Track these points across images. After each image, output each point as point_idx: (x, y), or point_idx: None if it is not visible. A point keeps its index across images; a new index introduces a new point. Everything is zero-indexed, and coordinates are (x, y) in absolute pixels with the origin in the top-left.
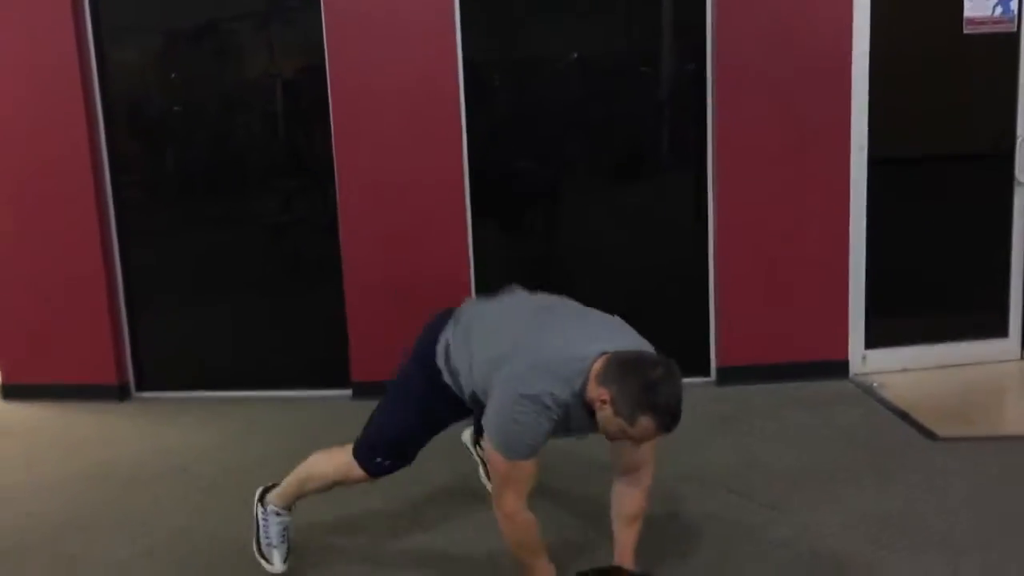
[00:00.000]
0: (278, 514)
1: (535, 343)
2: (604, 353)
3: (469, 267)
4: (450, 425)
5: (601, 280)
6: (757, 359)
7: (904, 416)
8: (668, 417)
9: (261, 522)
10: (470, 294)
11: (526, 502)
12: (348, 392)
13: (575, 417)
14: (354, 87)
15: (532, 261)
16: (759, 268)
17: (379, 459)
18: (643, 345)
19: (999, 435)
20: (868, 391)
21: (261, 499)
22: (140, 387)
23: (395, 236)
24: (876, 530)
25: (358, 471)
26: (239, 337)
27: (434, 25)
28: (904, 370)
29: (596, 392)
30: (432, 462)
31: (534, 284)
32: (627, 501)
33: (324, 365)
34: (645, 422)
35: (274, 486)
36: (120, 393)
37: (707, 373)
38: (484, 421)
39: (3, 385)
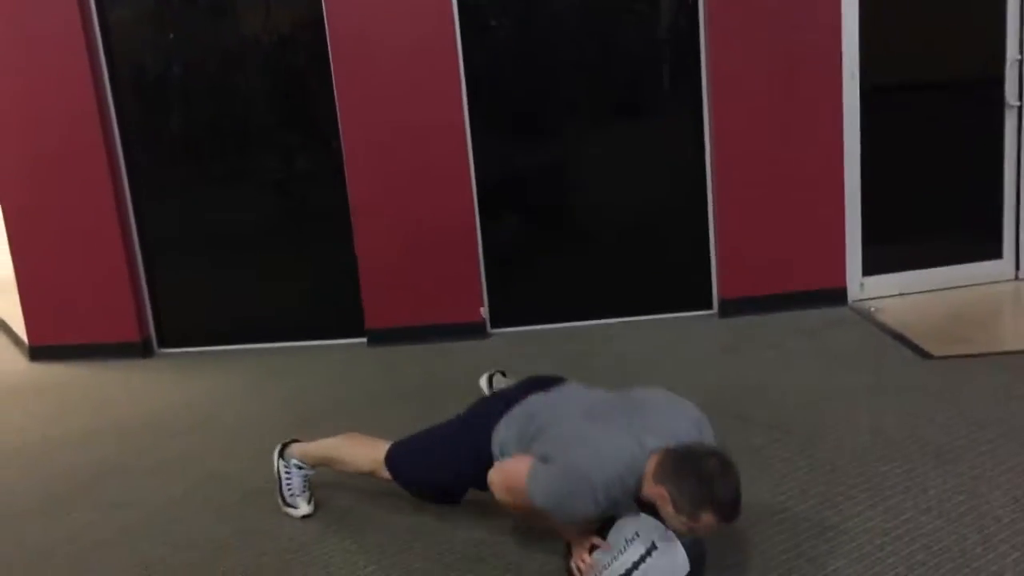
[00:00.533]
0: (300, 467)
1: (594, 440)
2: (657, 450)
3: (474, 211)
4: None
5: (604, 218)
6: (758, 290)
7: (900, 338)
8: (729, 509)
9: (283, 475)
10: (476, 239)
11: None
12: (363, 340)
13: (623, 505)
14: (352, 37)
15: (536, 204)
16: (756, 201)
17: (414, 486)
18: (698, 424)
19: (992, 352)
20: (866, 316)
21: (281, 454)
22: (162, 344)
23: (401, 184)
24: (871, 444)
25: (386, 473)
26: (255, 291)
27: None
28: (901, 294)
29: (654, 490)
30: None
31: (541, 227)
32: None
33: (339, 314)
34: (707, 518)
35: (292, 442)
36: (144, 350)
37: (709, 306)
38: (537, 469)
39: (30, 347)
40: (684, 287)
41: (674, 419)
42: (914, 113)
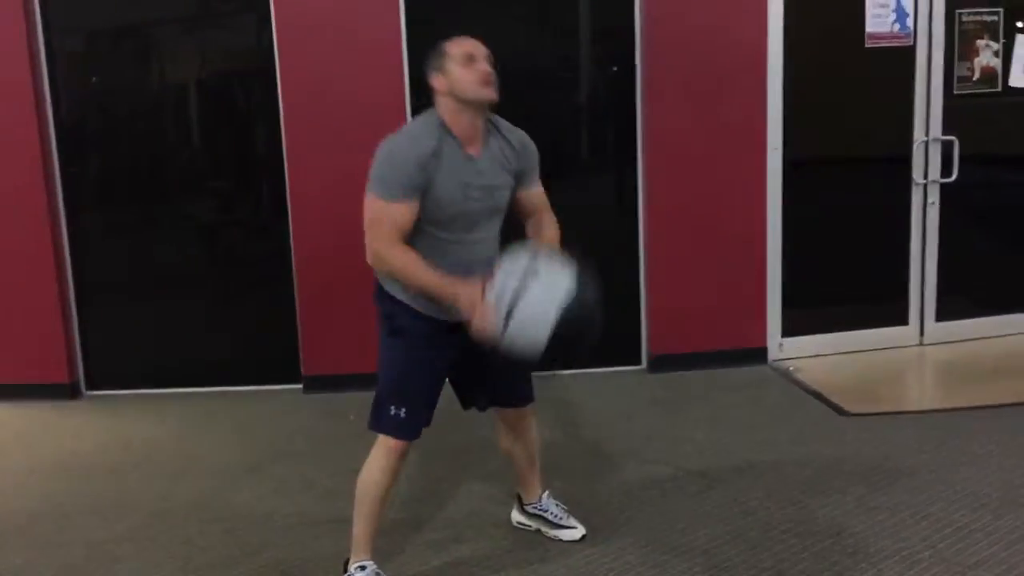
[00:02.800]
0: (363, 567)
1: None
2: None
3: None
4: (446, 368)
5: None
6: (685, 348)
7: (818, 396)
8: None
9: None
10: None
11: (398, 240)
12: (299, 387)
13: (450, 158)
14: (305, 85)
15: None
16: (686, 263)
17: (393, 411)
18: None
19: (902, 411)
20: (785, 375)
21: (345, 570)
22: (90, 386)
23: (344, 231)
24: (798, 493)
25: (387, 446)
26: (189, 335)
27: (381, 35)
28: (817, 355)
29: (439, 100)
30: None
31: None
32: (544, 227)
33: (275, 361)
34: (447, 47)
35: (345, 562)
36: (72, 391)
37: (639, 362)
38: (367, 189)
39: None
40: (616, 342)
41: None
42: (831, 186)
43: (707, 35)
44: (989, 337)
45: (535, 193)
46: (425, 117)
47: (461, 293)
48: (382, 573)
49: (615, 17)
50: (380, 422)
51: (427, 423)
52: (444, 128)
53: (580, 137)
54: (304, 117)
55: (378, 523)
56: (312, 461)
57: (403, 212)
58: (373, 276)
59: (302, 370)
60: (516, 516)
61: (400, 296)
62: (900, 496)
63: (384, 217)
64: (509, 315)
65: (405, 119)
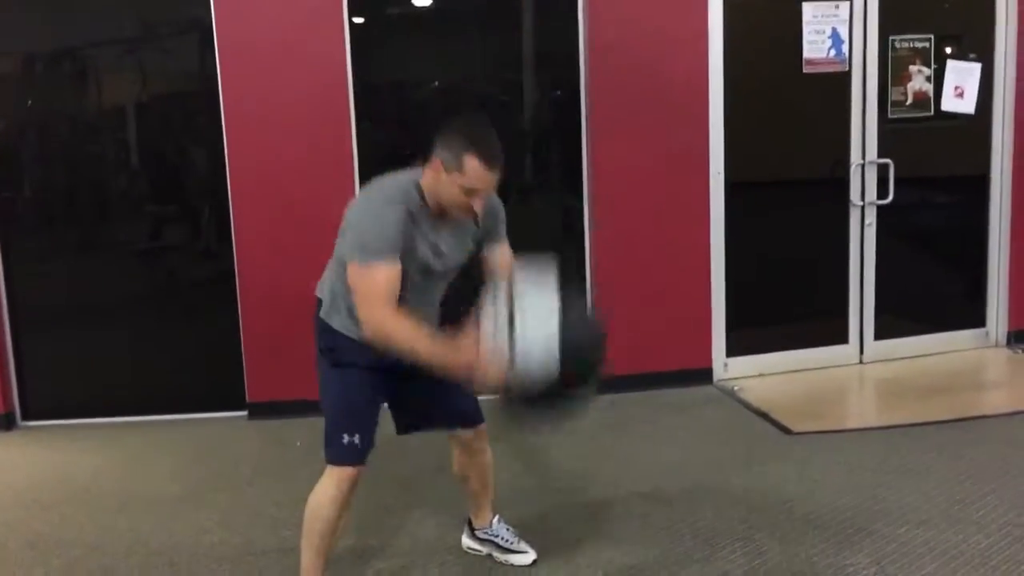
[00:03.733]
0: None
1: (372, 188)
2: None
3: None
4: (389, 392)
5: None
6: (631, 368)
7: (763, 415)
8: (490, 149)
9: None
10: None
11: (394, 306)
12: (244, 413)
13: (422, 223)
14: (248, 111)
15: None
16: (632, 286)
17: (346, 439)
18: None
19: (844, 428)
20: (730, 394)
21: None
22: (26, 416)
23: (289, 256)
24: (745, 512)
25: (342, 472)
26: (130, 363)
27: (326, 55)
28: (761, 375)
29: (429, 175)
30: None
31: None
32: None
33: (219, 387)
34: (472, 162)
35: None
36: (6, 422)
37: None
38: (342, 252)
39: None
40: None
41: None
42: (772, 208)
43: (649, 62)
44: (927, 355)
45: (501, 250)
46: (403, 180)
47: (463, 357)
48: None
49: (559, 43)
50: (337, 453)
51: (372, 445)
52: (420, 193)
53: (525, 162)
54: (248, 139)
55: (328, 555)
56: (258, 489)
57: (392, 274)
58: (313, 308)
59: (247, 396)
60: (467, 541)
61: (347, 332)
62: (845, 513)
63: (374, 283)
64: (512, 344)
65: (351, 140)
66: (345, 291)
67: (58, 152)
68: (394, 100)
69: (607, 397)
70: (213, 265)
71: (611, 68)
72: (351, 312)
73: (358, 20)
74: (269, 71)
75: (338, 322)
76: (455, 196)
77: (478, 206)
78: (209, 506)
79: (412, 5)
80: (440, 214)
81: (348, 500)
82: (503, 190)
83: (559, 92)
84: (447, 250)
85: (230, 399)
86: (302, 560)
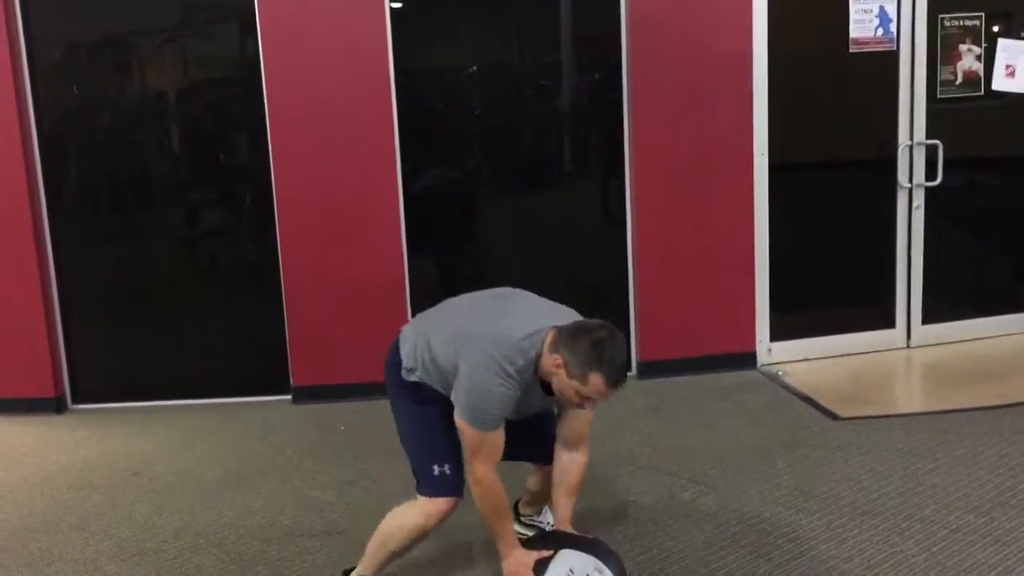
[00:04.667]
0: None
1: (494, 322)
2: (554, 327)
3: (404, 269)
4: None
5: (529, 280)
6: (674, 353)
7: (808, 400)
8: (616, 371)
9: None
10: (405, 293)
11: (495, 469)
12: (288, 397)
13: (532, 390)
14: (290, 92)
15: (464, 267)
16: (674, 269)
17: (437, 471)
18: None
19: (891, 414)
20: (774, 379)
21: None
22: (76, 399)
23: (332, 240)
24: (791, 498)
25: (435, 506)
26: (176, 347)
27: (367, 41)
28: (805, 359)
29: (549, 360)
30: None
31: (463, 286)
32: (571, 472)
33: (264, 372)
34: (596, 379)
35: (352, 570)
36: (57, 406)
37: (629, 368)
38: (454, 396)
39: None
40: None
41: (569, 312)
42: (817, 191)
43: (693, 42)
44: (975, 339)
45: (581, 421)
46: (526, 351)
47: (514, 558)
48: None
49: (600, 25)
50: (431, 484)
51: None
52: (535, 369)
53: (567, 146)
54: (290, 125)
55: (386, 569)
56: (303, 472)
57: (499, 439)
58: (388, 352)
59: (291, 381)
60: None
61: (429, 383)
62: (893, 500)
63: (484, 446)
64: None
65: (392, 122)
66: (435, 364)
67: (103, 139)
68: (434, 83)
69: (651, 382)
70: (257, 250)
71: (652, 48)
72: (443, 379)
73: (397, 5)
74: (311, 56)
75: (423, 375)
76: (569, 396)
77: (590, 408)
78: (256, 488)
79: None
80: (544, 383)
81: (429, 533)
82: (543, 175)
83: (599, 73)
84: (531, 404)
85: (275, 383)
86: (361, 563)
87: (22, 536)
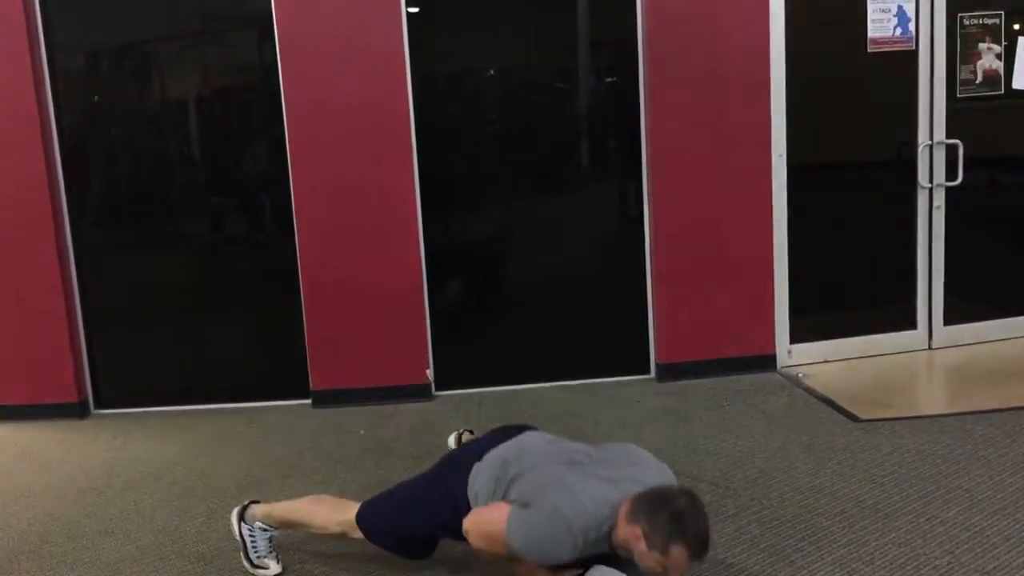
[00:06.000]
0: (264, 529)
1: (572, 485)
2: (630, 495)
3: (422, 275)
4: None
5: (547, 284)
6: (693, 356)
7: (828, 402)
8: (699, 544)
9: (247, 539)
10: (423, 298)
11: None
12: (308, 401)
13: (598, 549)
14: (308, 100)
15: (482, 269)
16: (693, 271)
17: (390, 542)
18: (664, 473)
19: (913, 415)
20: (795, 381)
21: (242, 517)
22: (99, 404)
23: (350, 246)
24: (812, 500)
25: (357, 536)
26: (197, 352)
27: (384, 48)
28: (826, 361)
29: (627, 531)
30: None
31: (486, 292)
32: None
33: (283, 376)
34: (677, 552)
35: (252, 503)
36: (80, 411)
37: (647, 371)
38: (514, 514)
39: None
40: (624, 352)
41: (645, 470)
42: (836, 191)
43: (710, 43)
44: (998, 340)
45: None
46: (600, 524)
47: None
48: (275, 540)
49: (617, 27)
50: (372, 534)
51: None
52: (609, 540)
53: (584, 148)
54: (308, 131)
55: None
56: (323, 476)
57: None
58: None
59: (311, 385)
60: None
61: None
62: (915, 502)
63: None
64: None
65: (409, 130)
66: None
67: (124, 147)
68: (451, 89)
69: (670, 384)
70: (276, 256)
71: (669, 49)
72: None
73: (414, 10)
74: (328, 62)
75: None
76: (651, 565)
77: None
78: (276, 492)
79: None
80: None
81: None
82: (561, 178)
83: (616, 76)
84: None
85: (294, 388)
86: (278, 507)
87: (45, 540)
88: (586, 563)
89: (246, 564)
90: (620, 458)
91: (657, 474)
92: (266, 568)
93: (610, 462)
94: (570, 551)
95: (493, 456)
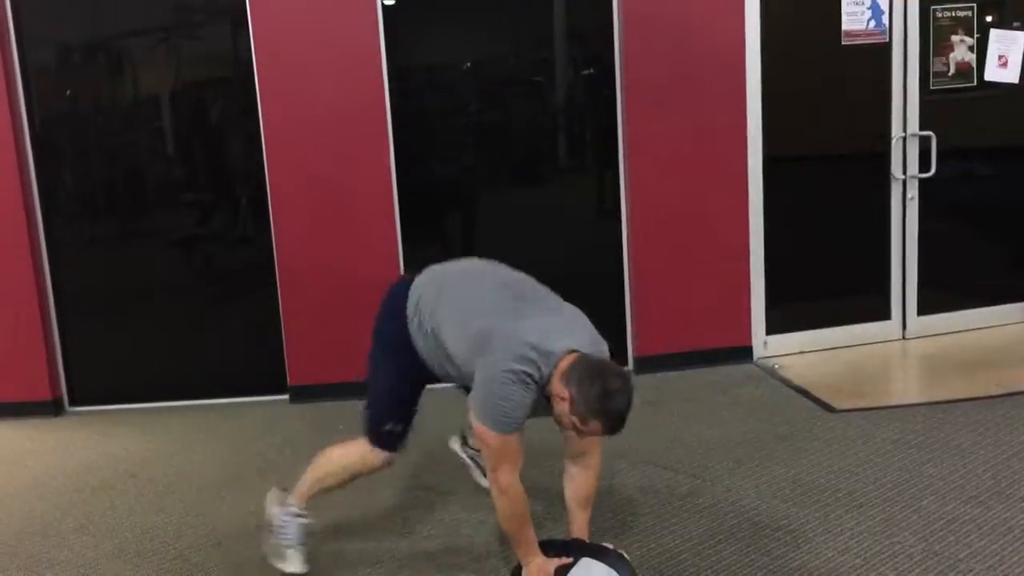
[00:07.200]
0: (299, 515)
1: (514, 330)
2: (571, 351)
3: (399, 268)
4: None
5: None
6: (670, 348)
7: (804, 393)
8: (616, 423)
9: (280, 523)
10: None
11: (518, 476)
12: (285, 397)
13: (540, 400)
14: (283, 94)
15: (458, 258)
16: (669, 264)
17: (388, 426)
18: (600, 344)
19: (888, 405)
20: (771, 372)
21: (277, 500)
22: (73, 402)
23: (327, 240)
24: (787, 490)
25: (376, 454)
26: (172, 348)
27: (359, 38)
28: (801, 352)
29: (558, 388)
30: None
31: None
32: (580, 484)
33: (260, 372)
34: (595, 425)
35: (285, 490)
36: (55, 408)
37: (626, 363)
38: (472, 401)
39: None
40: None
41: (583, 325)
42: (811, 183)
43: (685, 36)
44: (971, 329)
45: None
46: (541, 367)
47: (536, 565)
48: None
49: (593, 19)
50: (377, 439)
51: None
52: (545, 384)
53: (561, 142)
54: (284, 124)
55: (328, 491)
56: (301, 472)
57: (518, 442)
58: (390, 295)
59: (288, 380)
60: (453, 446)
61: (423, 353)
62: (890, 491)
63: (508, 451)
64: None
65: (386, 123)
66: (443, 351)
67: (97, 141)
68: (427, 82)
69: (647, 376)
70: (252, 251)
71: (645, 43)
72: (443, 362)
73: (389, 2)
74: (303, 56)
75: (422, 346)
76: (565, 423)
77: (579, 432)
78: (254, 489)
79: None
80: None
81: (362, 477)
82: (538, 171)
83: (593, 69)
84: (539, 410)
85: (272, 383)
86: (303, 481)
87: (21, 540)
88: (574, 553)
89: (266, 551)
90: (566, 310)
91: (590, 338)
92: (286, 561)
93: (546, 305)
94: (527, 390)
95: (424, 280)
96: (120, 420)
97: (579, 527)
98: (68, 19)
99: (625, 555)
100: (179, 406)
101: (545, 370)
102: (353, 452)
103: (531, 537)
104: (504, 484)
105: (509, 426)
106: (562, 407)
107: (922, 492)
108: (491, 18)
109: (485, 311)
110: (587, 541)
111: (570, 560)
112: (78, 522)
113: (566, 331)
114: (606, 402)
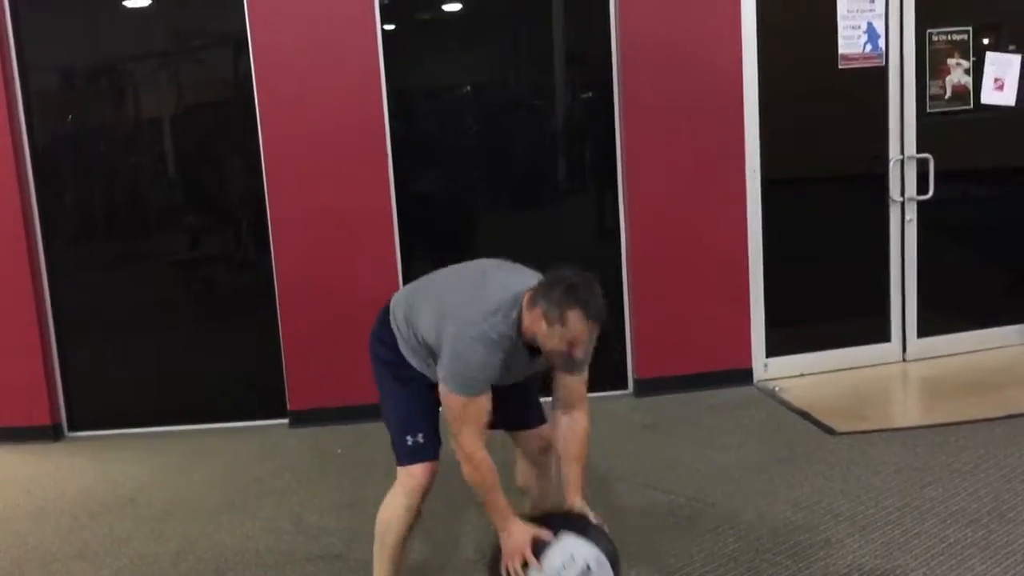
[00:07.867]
0: None
1: (475, 295)
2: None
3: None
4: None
5: None
6: (670, 370)
7: (805, 415)
8: (594, 308)
9: None
10: None
11: (483, 441)
12: (285, 421)
13: (517, 355)
14: (284, 120)
15: None
16: (669, 287)
17: (410, 440)
18: None
19: (889, 428)
20: (771, 395)
21: None
22: (72, 427)
23: (327, 264)
24: (789, 514)
25: (412, 479)
26: (172, 373)
27: (359, 62)
28: (802, 375)
29: (529, 318)
30: None
31: None
32: (574, 437)
33: (260, 396)
34: (574, 316)
35: None
36: (54, 433)
37: (626, 386)
38: (439, 368)
39: None
40: (602, 367)
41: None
42: (810, 206)
43: (683, 60)
44: (971, 352)
45: (575, 381)
46: (507, 313)
47: (511, 534)
48: None
49: (592, 43)
50: (405, 456)
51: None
52: (518, 331)
53: (560, 165)
54: (284, 149)
55: (401, 564)
56: (300, 497)
57: (484, 404)
58: (376, 322)
59: (288, 405)
60: None
61: (410, 357)
62: (891, 514)
63: (470, 414)
64: None
65: (385, 146)
66: (419, 339)
67: (99, 165)
68: (427, 105)
69: (647, 399)
70: (252, 274)
71: (644, 66)
72: (426, 355)
73: (390, 27)
74: (304, 80)
75: (406, 351)
76: (555, 345)
77: (579, 353)
78: (253, 514)
79: (442, 10)
80: (529, 347)
81: (419, 508)
82: (537, 195)
83: (591, 92)
84: (518, 369)
85: (272, 408)
86: (375, 571)
87: (19, 566)
88: (555, 526)
89: None
90: (517, 267)
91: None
92: None
93: (507, 268)
94: (491, 348)
95: (404, 302)
96: (119, 445)
97: (573, 483)
98: (70, 44)
99: (607, 534)
100: (178, 430)
101: (513, 313)
102: (391, 497)
103: (502, 503)
104: (469, 449)
105: (473, 387)
106: (542, 330)
107: (923, 515)
108: (490, 42)
109: (451, 291)
110: (570, 515)
111: (550, 534)
112: (76, 548)
113: (531, 276)
114: (574, 293)
